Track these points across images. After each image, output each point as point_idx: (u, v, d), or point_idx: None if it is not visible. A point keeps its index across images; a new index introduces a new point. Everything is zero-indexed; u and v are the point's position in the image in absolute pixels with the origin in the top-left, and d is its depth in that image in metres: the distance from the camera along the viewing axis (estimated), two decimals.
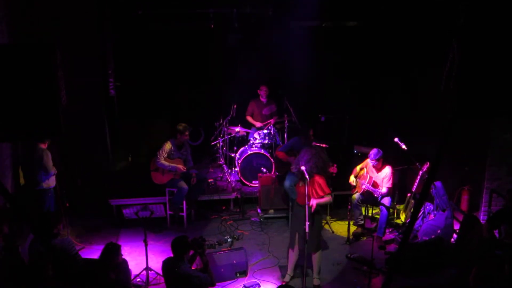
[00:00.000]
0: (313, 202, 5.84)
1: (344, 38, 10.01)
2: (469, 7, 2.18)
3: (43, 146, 6.73)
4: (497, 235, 6.14)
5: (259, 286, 6.19)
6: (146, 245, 6.06)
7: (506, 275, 5.35)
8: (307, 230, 5.79)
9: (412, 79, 8.96)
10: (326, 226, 7.91)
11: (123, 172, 9.66)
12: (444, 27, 6.82)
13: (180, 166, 7.61)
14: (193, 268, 5.24)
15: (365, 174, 7.37)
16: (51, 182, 6.83)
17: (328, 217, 8.15)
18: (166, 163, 7.56)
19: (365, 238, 7.52)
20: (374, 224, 7.77)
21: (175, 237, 5.17)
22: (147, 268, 6.20)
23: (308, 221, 5.67)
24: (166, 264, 5.12)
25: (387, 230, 7.45)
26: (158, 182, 7.78)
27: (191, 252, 5.17)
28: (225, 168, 9.16)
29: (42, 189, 6.75)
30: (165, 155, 7.61)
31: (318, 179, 5.94)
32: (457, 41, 2.25)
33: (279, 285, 6.12)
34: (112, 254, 5.16)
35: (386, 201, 7.19)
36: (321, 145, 7.87)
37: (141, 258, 6.68)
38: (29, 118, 2.43)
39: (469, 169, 7.85)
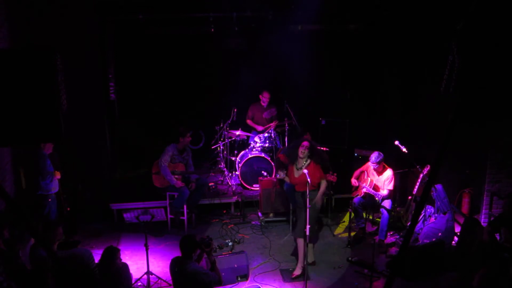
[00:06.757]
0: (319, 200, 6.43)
1: (344, 42, 10.03)
2: (469, 11, 2.19)
3: (44, 151, 6.74)
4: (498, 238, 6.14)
5: None
6: (147, 249, 6.06)
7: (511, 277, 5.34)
8: (307, 233, 5.87)
9: (412, 82, 8.97)
10: (327, 229, 7.90)
11: (123, 176, 9.66)
12: (443, 30, 6.83)
13: (179, 182, 7.62)
14: None
15: (366, 177, 7.37)
16: (52, 187, 6.84)
17: (329, 220, 8.14)
18: (169, 172, 7.55)
19: (366, 241, 7.51)
20: (375, 227, 7.77)
21: (178, 239, 5.16)
22: (148, 272, 6.19)
23: (309, 224, 5.77)
24: (173, 263, 5.10)
25: (388, 233, 7.44)
26: (159, 185, 7.78)
27: (198, 251, 5.18)
28: (226, 172, 9.16)
29: (42, 194, 6.77)
30: (169, 159, 7.61)
31: (314, 168, 6.36)
32: (457, 44, 2.26)
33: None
34: (111, 258, 5.15)
35: (387, 204, 7.19)
36: (322, 148, 7.88)
37: (142, 262, 6.67)
38: (30, 123, 2.43)
39: (470, 172, 7.85)
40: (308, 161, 6.39)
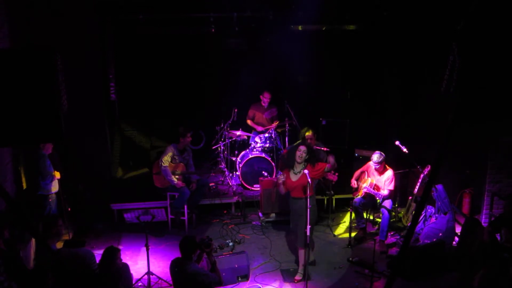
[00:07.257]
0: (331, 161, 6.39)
1: (345, 42, 10.02)
2: (469, 11, 2.19)
3: (44, 151, 6.74)
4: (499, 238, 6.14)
5: None
6: (147, 250, 6.06)
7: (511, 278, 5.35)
8: (308, 233, 5.86)
9: (412, 82, 8.97)
10: (327, 230, 7.90)
11: (124, 176, 9.66)
12: (444, 30, 6.82)
13: (180, 182, 7.63)
14: None
15: (366, 177, 7.36)
16: (52, 187, 6.84)
17: (329, 221, 8.14)
18: (169, 172, 7.54)
19: (366, 241, 7.51)
20: (376, 228, 7.77)
21: (179, 240, 5.16)
22: (149, 273, 6.19)
23: (310, 225, 5.75)
24: (174, 264, 5.11)
25: (388, 234, 7.44)
26: (160, 186, 7.78)
27: (198, 251, 5.18)
28: (226, 172, 9.15)
29: (42, 195, 6.78)
30: (170, 160, 7.61)
31: (310, 168, 6.24)
32: (457, 44, 2.26)
33: None
34: (111, 258, 5.16)
35: (388, 204, 7.19)
36: (323, 148, 7.88)
37: (142, 262, 6.67)
38: (30, 123, 2.43)
39: (470, 172, 7.85)
40: (306, 164, 6.30)
